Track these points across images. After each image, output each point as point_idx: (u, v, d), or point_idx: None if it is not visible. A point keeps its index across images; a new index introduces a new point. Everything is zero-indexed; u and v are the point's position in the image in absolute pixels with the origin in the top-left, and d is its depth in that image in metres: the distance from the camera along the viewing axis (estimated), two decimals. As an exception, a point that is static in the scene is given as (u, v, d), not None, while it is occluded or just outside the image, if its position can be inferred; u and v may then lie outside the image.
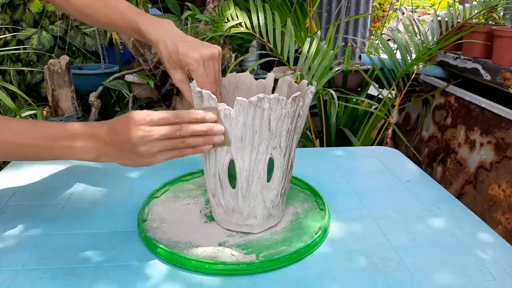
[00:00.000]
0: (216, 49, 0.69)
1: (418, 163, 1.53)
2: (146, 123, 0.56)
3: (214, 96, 0.59)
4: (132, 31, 0.74)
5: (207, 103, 0.60)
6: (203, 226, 0.71)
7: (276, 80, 0.76)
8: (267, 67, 2.50)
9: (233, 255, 0.64)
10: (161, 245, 0.63)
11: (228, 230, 0.70)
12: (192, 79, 0.69)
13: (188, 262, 0.61)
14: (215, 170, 0.66)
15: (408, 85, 1.70)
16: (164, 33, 0.70)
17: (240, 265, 0.61)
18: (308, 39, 1.53)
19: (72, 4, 0.77)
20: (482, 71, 1.48)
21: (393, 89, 1.68)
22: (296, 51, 1.55)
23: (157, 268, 0.61)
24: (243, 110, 0.59)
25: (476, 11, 1.60)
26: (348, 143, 1.82)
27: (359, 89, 2.10)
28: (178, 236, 0.68)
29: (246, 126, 0.60)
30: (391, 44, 1.78)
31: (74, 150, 0.58)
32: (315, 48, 1.51)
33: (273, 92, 0.74)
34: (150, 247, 0.64)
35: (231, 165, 0.64)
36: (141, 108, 1.89)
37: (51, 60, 1.68)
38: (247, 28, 1.53)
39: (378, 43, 1.95)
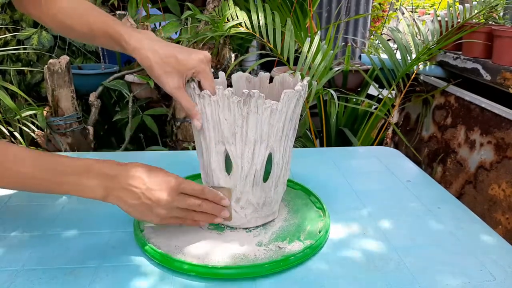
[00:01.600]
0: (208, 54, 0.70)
1: (418, 163, 1.53)
2: (180, 190, 0.59)
3: (263, 94, 0.59)
4: (111, 40, 0.70)
5: (255, 102, 0.59)
6: (224, 236, 0.68)
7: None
8: (267, 67, 2.50)
9: (281, 248, 0.64)
10: (210, 266, 0.59)
11: (246, 228, 0.69)
12: (189, 84, 0.67)
13: (261, 266, 0.59)
14: (248, 171, 0.64)
15: (408, 85, 1.70)
16: (148, 40, 0.67)
17: (305, 250, 0.62)
18: (308, 39, 1.53)
19: (52, 16, 0.75)
20: (482, 71, 1.48)
21: (393, 89, 1.67)
22: (296, 51, 1.55)
23: (158, 268, 0.61)
24: (288, 100, 0.60)
25: (476, 11, 1.60)
26: (348, 143, 1.82)
27: (359, 89, 2.10)
28: (212, 254, 0.63)
29: (288, 116, 0.62)
30: (391, 44, 1.78)
31: (82, 188, 0.57)
32: (315, 48, 1.51)
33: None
34: (183, 271, 0.59)
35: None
36: (141, 108, 1.89)
37: (51, 60, 1.68)
38: (247, 28, 1.53)
39: (378, 43, 1.95)
